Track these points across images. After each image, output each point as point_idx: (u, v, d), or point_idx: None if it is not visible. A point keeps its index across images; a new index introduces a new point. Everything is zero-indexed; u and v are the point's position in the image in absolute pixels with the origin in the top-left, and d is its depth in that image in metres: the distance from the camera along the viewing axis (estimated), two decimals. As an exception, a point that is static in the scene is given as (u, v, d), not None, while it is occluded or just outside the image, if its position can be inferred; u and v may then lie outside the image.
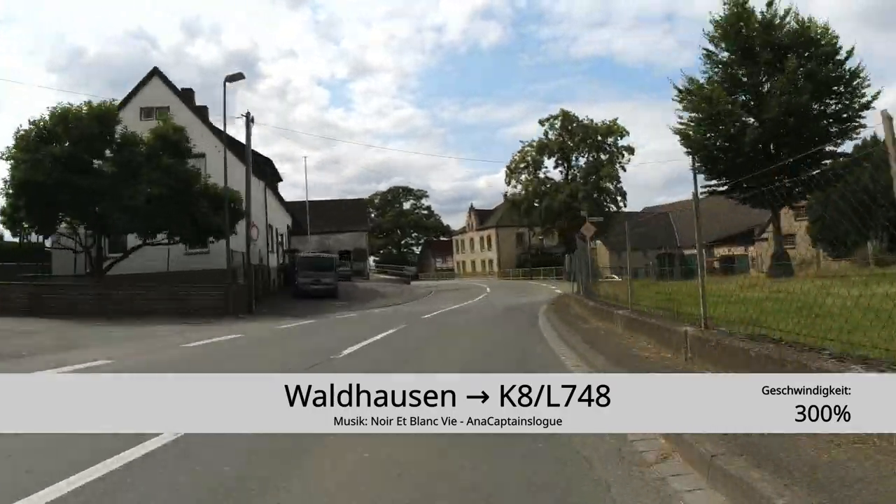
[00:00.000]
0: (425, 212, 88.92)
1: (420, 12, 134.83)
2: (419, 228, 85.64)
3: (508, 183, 52.10)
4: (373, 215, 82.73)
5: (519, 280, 48.12)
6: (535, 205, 48.78)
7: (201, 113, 24.26)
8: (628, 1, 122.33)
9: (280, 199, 35.59)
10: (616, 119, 48.47)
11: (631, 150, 47.73)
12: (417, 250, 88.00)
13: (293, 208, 40.94)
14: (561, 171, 50.20)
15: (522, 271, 50.81)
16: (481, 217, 65.70)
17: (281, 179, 35.68)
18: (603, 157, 48.01)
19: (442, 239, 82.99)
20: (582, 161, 49.40)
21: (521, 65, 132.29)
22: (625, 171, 47.53)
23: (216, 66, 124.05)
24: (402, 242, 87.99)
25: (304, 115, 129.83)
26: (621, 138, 47.51)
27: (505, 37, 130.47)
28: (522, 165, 51.13)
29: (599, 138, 47.74)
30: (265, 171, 27.59)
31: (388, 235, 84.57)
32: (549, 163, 50.48)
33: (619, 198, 47.62)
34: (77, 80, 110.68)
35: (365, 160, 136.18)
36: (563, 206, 45.61)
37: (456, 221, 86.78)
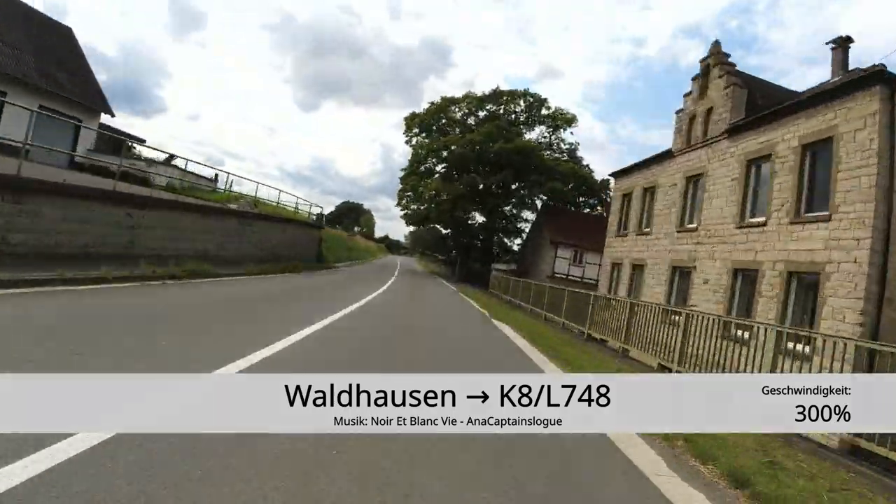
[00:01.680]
0: (563, 154, 42.85)
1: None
2: (545, 174, 39.13)
3: None
4: (458, 130, 40.77)
5: None
6: None
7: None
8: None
9: None
10: None
11: None
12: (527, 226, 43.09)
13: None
14: None
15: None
16: (748, 104, 14.60)
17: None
18: None
19: (587, 211, 40.76)
20: None
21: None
22: None
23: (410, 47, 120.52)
24: (513, 202, 42.21)
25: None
26: None
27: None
28: None
29: None
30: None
31: (479, 171, 39.44)
32: None
33: None
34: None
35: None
36: None
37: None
